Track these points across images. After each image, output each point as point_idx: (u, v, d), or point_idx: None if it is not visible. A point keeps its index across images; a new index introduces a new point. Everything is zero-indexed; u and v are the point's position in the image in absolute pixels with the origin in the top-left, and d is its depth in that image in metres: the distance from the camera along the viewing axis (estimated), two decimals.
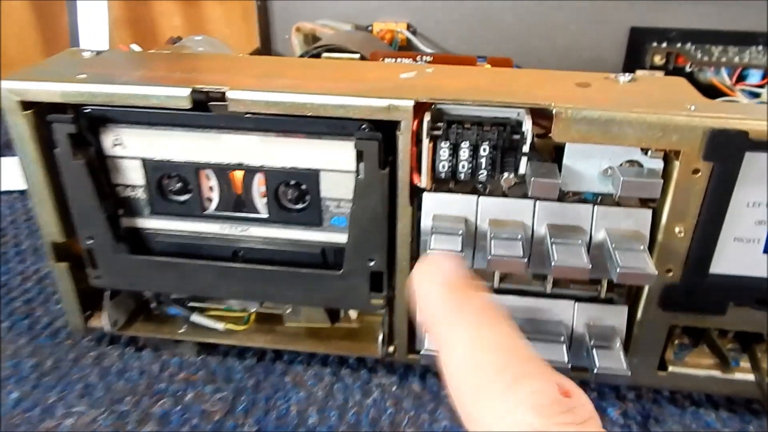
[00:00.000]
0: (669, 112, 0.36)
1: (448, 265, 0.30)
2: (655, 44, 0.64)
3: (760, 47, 0.62)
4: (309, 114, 0.37)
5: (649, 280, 0.35)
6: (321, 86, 0.39)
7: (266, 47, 0.83)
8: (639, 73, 0.63)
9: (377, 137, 0.37)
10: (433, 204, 0.40)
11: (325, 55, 0.57)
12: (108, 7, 0.79)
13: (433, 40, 0.79)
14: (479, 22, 0.76)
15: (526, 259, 0.36)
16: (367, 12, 0.78)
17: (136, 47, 0.52)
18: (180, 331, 0.48)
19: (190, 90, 0.38)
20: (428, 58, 0.50)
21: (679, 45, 0.63)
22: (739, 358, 0.43)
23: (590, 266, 0.36)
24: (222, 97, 0.38)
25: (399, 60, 0.50)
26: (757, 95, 0.62)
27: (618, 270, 0.35)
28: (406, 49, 0.78)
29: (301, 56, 0.65)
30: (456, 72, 0.43)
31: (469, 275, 0.30)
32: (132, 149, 0.41)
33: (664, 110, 0.36)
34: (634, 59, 0.66)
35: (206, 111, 0.39)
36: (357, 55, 0.55)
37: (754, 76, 0.63)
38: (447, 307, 0.28)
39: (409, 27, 0.78)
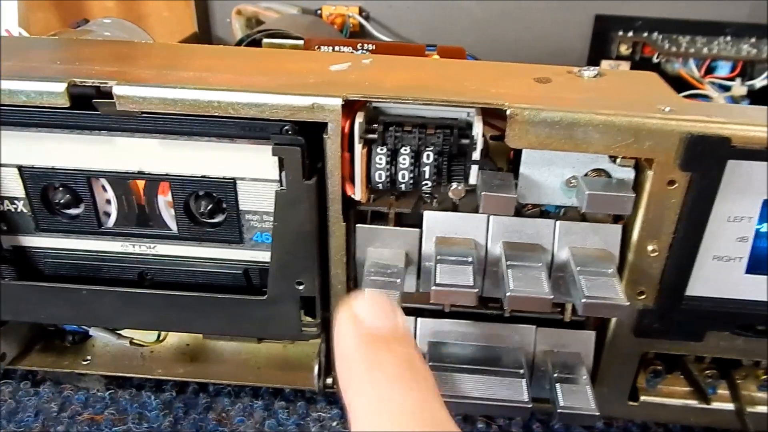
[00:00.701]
0: (641, 114, 0.30)
1: (372, 311, 0.24)
2: (621, 33, 0.60)
3: (728, 38, 0.59)
4: (216, 114, 0.31)
5: (619, 312, 0.30)
6: (233, 80, 0.32)
7: (205, 32, 0.76)
8: (605, 64, 0.59)
9: (299, 142, 0.31)
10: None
11: (265, 41, 0.51)
12: None
13: (388, 26, 0.73)
14: (437, 8, 0.71)
15: (476, 290, 0.31)
16: None
17: (23, 32, 0.44)
18: (84, 363, 0.42)
19: (65, 85, 0.31)
20: (370, 47, 0.44)
21: (645, 34, 0.60)
22: (717, 386, 0.39)
23: (551, 297, 0.30)
24: (109, 92, 0.31)
25: (336, 49, 0.44)
26: (726, 88, 0.58)
27: (583, 300, 0.30)
28: (358, 35, 0.72)
29: (239, 42, 0.58)
30: (398, 63, 0.37)
31: (398, 324, 0.24)
32: (6, 155, 0.34)
33: (635, 112, 0.30)
34: (599, 49, 0.61)
35: (92, 110, 0.32)
36: (301, 42, 0.49)
37: (723, 68, 0.59)
38: (359, 365, 0.22)
39: (361, 11, 0.72)
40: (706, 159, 0.30)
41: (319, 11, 0.73)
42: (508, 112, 0.30)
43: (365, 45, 0.44)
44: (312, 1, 0.73)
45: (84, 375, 0.42)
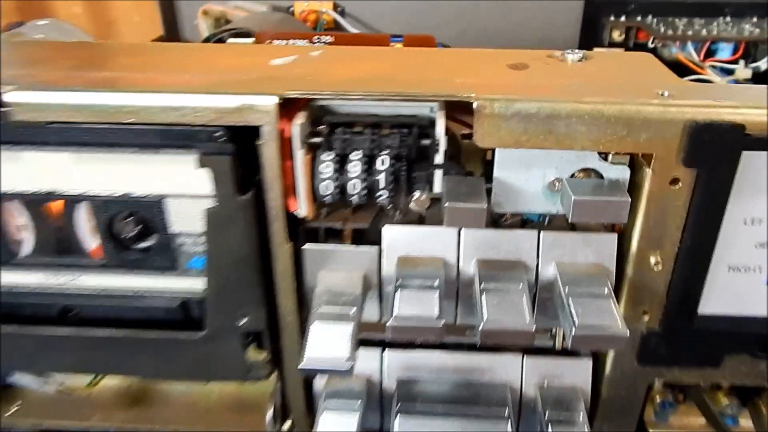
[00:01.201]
0: (635, 100, 0.25)
1: None
2: (612, 18, 0.55)
3: (728, 18, 0.54)
4: (131, 121, 0.26)
5: (617, 343, 0.25)
6: (152, 80, 0.27)
7: (173, 34, 0.72)
8: (596, 50, 0.54)
9: (227, 150, 0.26)
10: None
11: (230, 40, 0.46)
12: None
13: (365, 21, 0.68)
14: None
15: (442, 322, 0.25)
16: None
17: None
18: (15, 407, 0.36)
19: None
20: (329, 39, 0.39)
21: (639, 18, 0.55)
22: (738, 415, 0.33)
23: (533, 328, 0.25)
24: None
25: (290, 42, 0.39)
26: (729, 72, 0.53)
27: (574, 332, 0.25)
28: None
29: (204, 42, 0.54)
30: (353, 55, 0.32)
31: None
32: None
33: (627, 98, 0.25)
34: (590, 36, 0.56)
35: None
36: None
37: (725, 51, 0.54)
38: None
39: (336, 7, 0.68)
40: (716, 151, 0.25)
41: (291, 8, 0.69)
42: (475, 105, 0.25)
43: (322, 37, 0.39)
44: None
45: (12, 425, 0.37)
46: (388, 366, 0.32)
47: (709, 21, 0.54)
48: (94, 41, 0.48)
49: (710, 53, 0.54)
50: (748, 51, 0.53)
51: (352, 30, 0.68)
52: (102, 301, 0.32)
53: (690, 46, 0.53)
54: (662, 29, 0.51)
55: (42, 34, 0.43)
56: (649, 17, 0.54)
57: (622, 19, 0.55)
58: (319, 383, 0.32)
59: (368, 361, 0.32)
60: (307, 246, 0.29)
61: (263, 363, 0.32)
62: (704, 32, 0.52)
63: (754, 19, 0.54)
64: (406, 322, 0.25)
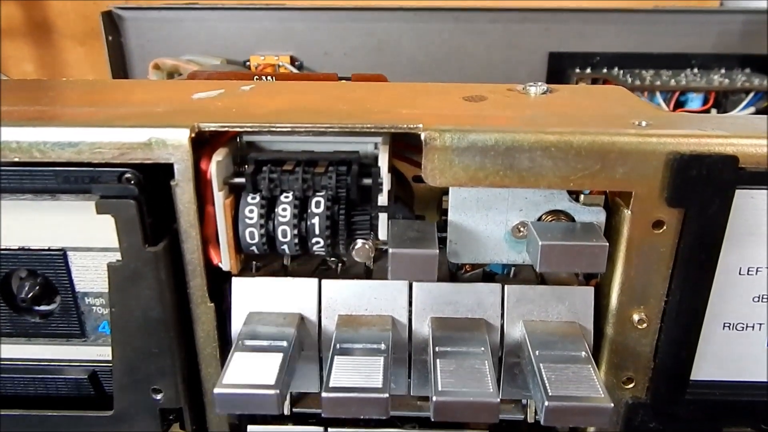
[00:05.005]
0: (608, 130, 0.22)
1: None
2: (578, 70, 0.55)
3: (696, 70, 0.53)
4: (17, 159, 0.22)
5: (600, 417, 0.20)
6: (45, 113, 0.23)
7: None
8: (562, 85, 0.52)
9: (130, 192, 0.22)
10: (247, 296, 0.25)
11: None
12: None
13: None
14: (378, 52, 0.65)
15: (385, 396, 0.21)
16: (245, 44, 0.66)
17: None
18: None
19: None
20: (271, 79, 0.35)
21: (605, 70, 0.55)
22: None
23: (498, 401, 0.21)
24: None
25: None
26: None
27: (546, 404, 0.20)
28: None
29: None
30: (288, 89, 0.28)
31: None
32: None
33: (599, 129, 0.22)
34: None
35: None
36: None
37: (695, 101, 0.53)
38: None
39: (293, 61, 0.66)
40: (705, 189, 0.22)
41: (247, 62, 0.67)
42: (423, 137, 0.21)
43: (265, 78, 0.35)
44: (240, 51, 0.68)
45: None
46: None
47: (676, 72, 0.54)
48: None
49: (680, 104, 0.53)
50: (719, 101, 0.52)
51: None
52: None
53: (659, 97, 0.52)
54: (629, 80, 0.50)
55: None
56: (616, 69, 0.55)
57: (588, 71, 0.54)
58: None
59: None
60: (235, 278, 0.24)
61: None
62: (673, 82, 0.51)
63: (722, 70, 0.54)
64: (344, 393, 0.21)
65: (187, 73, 0.62)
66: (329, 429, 0.27)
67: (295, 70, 0.64)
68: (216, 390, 0.21)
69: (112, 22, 0.73)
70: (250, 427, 0.27)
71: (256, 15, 0.69)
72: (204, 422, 0.27)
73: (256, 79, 0.35)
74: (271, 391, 0.20)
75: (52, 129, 0.22)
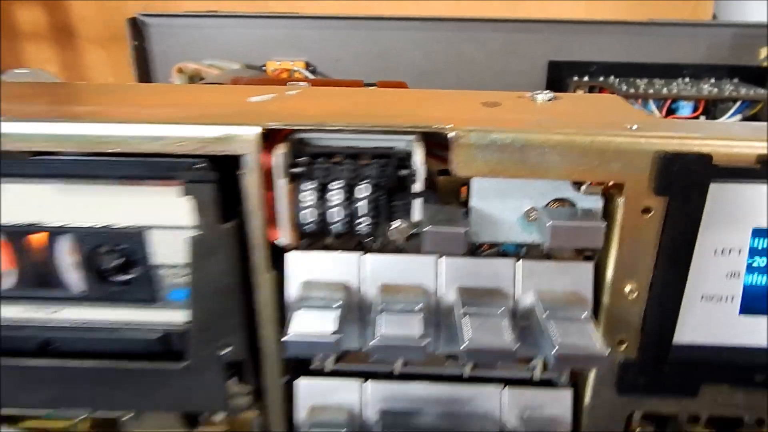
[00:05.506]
0: (605, 132, 0.26)
1: None
2: (576, 78, 0.58)
3: (687, 79, 0.57)
4: (114, 151, 0.27)
5: (599, 362, 0.25)
6: (134, 113, 0.28)
7: None
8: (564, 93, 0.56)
9: (211, 177, 0.27)
10: (301, 267, 0.29)
11: None
12: None
13: (336, 78, 0.71)
14: (385, 59, 0.69)
15: (426, 341, 0.26)
16: (261, 50, 0.70)
17: None
18: None
19: None
20: (304, 84, 0.40)
21: (601, 78, 0.58)
22: None
23: (516, 346, 0.25)
24: None
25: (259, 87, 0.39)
26: None
27: (555, 351, 0.25)
28: None
29: None
30: (328, 93, 0.33)
31: None
32: None
33: (598, 131, 0.26)
34: None
35: None
36: None
37: (685, 108, 0.56)
38: None
39: (307, 66, 0.70)
40: (685, 181, 0.26)
41: (263, 67, 0.71)
42: (451, 136, 0.26)
43: (298, 83, 0.40)
44: (256, 56, 0.72)
45: None
46: (372, 397, 0.31)
47: (669, 81, 0.57)
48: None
49: (671, 111, 0.57)
50: (708, 109, 0.55)
51: None
52: (82, 335, 0.32)
53: (652, 104, 0.56)
54: (624, 88, 0.54)
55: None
56: (612, 77, 0.57)
57: (585, 79, 0.57)
58: (302, 415, 0.32)
59: (350, 392, 0.32)
60: (289, 253, 0.29)
61: (245, 394, 0.31)
62: (665, 90, 0.54)
63: (712, 80, 0.57)
64: (392, 341, 0.25)
65: (209, 76, 0.67)
66: (368, 380, 0.31)
67: (310, 75, 0.69)
68: (286, 338, 0.26)
69: (136, 28, 0.77)
70: (299, 379, 0.32)
71: (273, 23, 0.72)
72: (259, 373, 0.32)
73: (291, 84, 0.40)
74: (333, 336, 0.25)
75: (144, 126, 0.27)
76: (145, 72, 0.75)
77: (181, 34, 0.76)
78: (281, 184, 0.27)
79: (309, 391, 0.32)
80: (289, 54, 0.71)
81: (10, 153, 0.27)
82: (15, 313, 0.32)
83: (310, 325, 0.26)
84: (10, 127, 0.27)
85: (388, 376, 0.32)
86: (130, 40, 0.74)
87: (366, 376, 0.32)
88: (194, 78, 0.69)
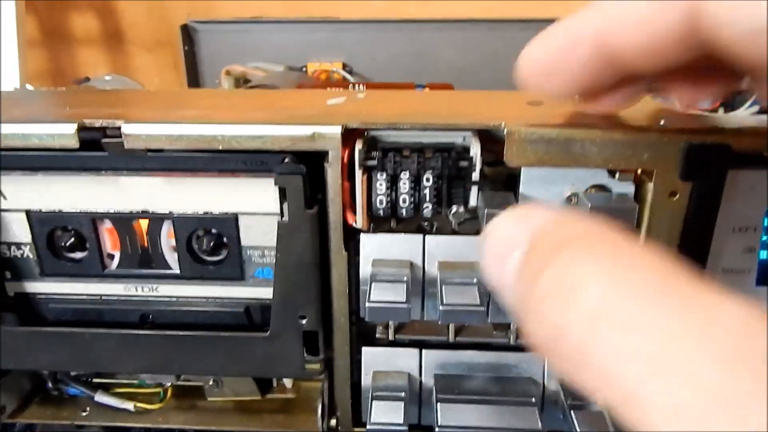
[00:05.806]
0: (638, 126, 0.31)
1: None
2: None
3: None
4: (220, 148, 0.31)
5: None
6: (235, 116, 0.33)
7: None
8: None
9: (301, 171, 0.32)
10: (372, 247, 0.34)
11: None
12: (27, 57, 0.73)
13: (371, 78, 0.75)
14: (419, 57, 0.73)
15: (484, 308, 0.30)
16: (300, 53, 0.75)
17: (28, 86, 0.46)
18: (83, 414, 0.40)
19: (76, 126, 0.31)
20: (362, 87, 0.45)
21: None
22: None
23: None
24: (117, 132, 0.31)
25: (328, 90, 0.45)
26: None
27: None
28: None
29: None
30: (391, 96, 0.38)
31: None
32: (14, 200, 0.35)
33: (631, 124, 0.31)
34: None
35: (99, 150, 0.32)
36: None
37: (706, 101, 0.59)
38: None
39: (345, 66, 0.75)
40: (707, 167, 0.30)
41: (304, 68, 0.76)
42: (506, 131, 0.31)
43: (357, 86, 0.45)
44: (296, 58, 0.76)
45: (83, 427, 0.41)
46: (426, 364, 0.36)
47: None
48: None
49: None
50: (726, 102, 0.58)
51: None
52: (176, 308, 0.37)
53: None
54: None
55: (108, 87, 0.49)
56: None
57: None
58: (365, 381, 0.37)
59: (408, 359, 0.36)
60: (363, 235, 0.34)
61: (318, 361, 0.36)
62: None
63: None
64: (456, 308, 0.30)
65: (254, 78, 0.72)
66: (423, 350, 0.36)
67: (347, 74, 0.73)
68: (368, 304, 0.30)
69: (187, 34, 0.82)
70: (364, 348, 0.36)
71: (312, 27, 0.77)
72: (331, 344, 0.36)
73: (352, 87, 0.45)
74: (405, 305, 0.30)
75: (247, 126, 0.31)
76: (194, 74, 0.80)
77: (228, 38, 0.82)
78: (359, 176, 0.32)
79: (373, 359, 0.36)
80: (328, 56, 0.75)
81: (132, 151, 0.32)
82: (120, 290, 0.37)
83: (386, 295, 0.31)
84: (135, 129, 0.31)
85: (442, 345, 0.36)
86: (182, 44, 0.80)
87: (422, 345, 0.36)
88: (239, 80, 0.74)
